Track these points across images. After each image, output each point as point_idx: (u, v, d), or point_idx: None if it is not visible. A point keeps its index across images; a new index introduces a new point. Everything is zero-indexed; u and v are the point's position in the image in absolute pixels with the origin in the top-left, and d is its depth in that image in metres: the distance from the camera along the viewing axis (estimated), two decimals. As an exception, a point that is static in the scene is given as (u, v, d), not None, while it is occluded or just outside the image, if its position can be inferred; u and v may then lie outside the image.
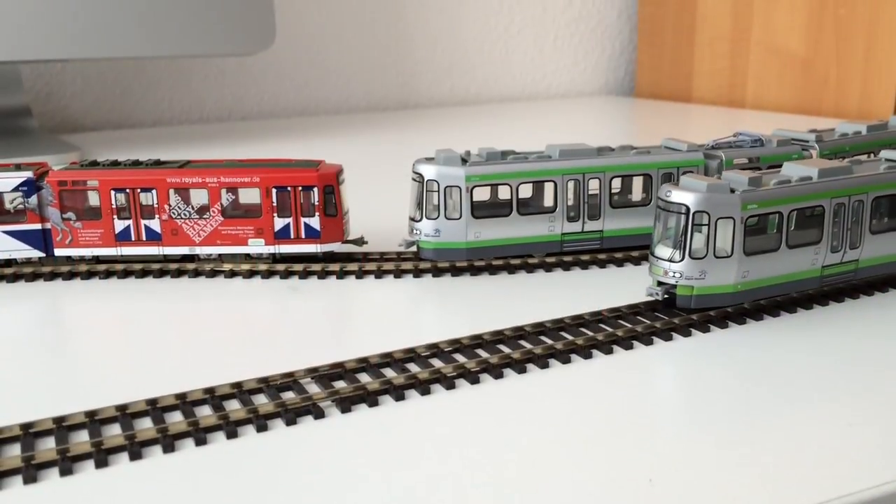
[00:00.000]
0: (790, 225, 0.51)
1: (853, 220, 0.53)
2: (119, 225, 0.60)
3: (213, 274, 0.61)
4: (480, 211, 0.60)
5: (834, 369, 0.44)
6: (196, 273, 0.61)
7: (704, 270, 0.49)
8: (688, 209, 0.49)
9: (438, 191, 0.59)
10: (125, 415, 0.39)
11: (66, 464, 0.35)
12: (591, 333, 0.48)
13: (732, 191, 0.49)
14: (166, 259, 0.62)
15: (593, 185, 0.62)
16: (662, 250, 0.50)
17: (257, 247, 0.61)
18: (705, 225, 0.49)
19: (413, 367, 0.44)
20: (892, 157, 0.58)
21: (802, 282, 0.52)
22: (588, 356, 0.46)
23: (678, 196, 0.49)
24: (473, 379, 0.43)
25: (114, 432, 0.38)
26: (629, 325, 0.49)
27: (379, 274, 0.60)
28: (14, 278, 0.60)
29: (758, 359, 0.46)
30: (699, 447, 0.37)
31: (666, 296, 0.50)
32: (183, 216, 0.60)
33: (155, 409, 0.40)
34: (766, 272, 0.51)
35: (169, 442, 0.37)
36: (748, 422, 0.39)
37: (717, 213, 0.49)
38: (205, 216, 0.60)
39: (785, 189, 0.51)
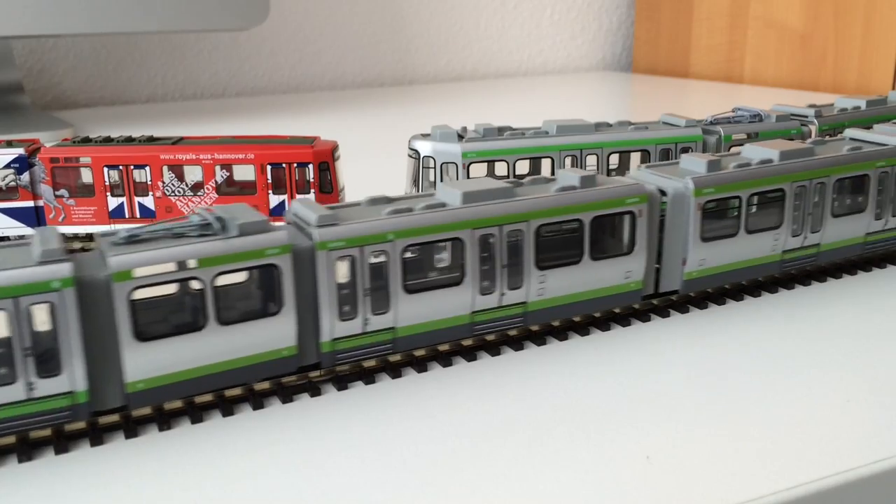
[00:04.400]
0: None
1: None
2: (113, 202, 0.60)
3: (208, 251, 0.60)
4: None
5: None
6: (191, 250, 0.60)
7: None
8: None
9: (435, 167, 0.58)
10: (120, 393, 0.39)
11: (62, 442, 0.35)
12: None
13: None
14: (161, 236, 0.61)
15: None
16: None
17: (252, 224, 0.60)
18: None
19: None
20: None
21: None
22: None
23: None
24: (471, 357, 0.43)
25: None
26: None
27: (375, 251, 0.60)
28: (7, 256, 0.60)
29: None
30: (696, 424, 0.37)
31: None
32: (177, 193, 0.60)
33: (150, 387, 0.40)
34: None
35: (165, 420, 0.37)
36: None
37: None
38: (199, 193, 0.60)
39: None
